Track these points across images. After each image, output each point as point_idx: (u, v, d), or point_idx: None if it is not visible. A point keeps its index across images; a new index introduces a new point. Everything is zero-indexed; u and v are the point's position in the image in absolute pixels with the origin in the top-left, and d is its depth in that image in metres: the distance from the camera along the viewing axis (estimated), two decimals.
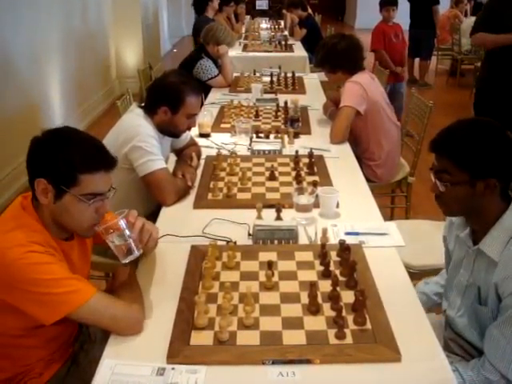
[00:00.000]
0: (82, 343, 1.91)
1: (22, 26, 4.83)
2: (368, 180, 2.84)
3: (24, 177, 4.65)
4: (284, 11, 8.92)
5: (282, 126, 3.48)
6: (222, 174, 2.72)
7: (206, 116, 3.40)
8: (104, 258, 2.52)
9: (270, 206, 2.27)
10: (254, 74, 4.98)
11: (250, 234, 2.13)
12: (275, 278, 1.82)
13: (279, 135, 3.22)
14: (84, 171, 1.59)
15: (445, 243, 1.99)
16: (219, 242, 2.04)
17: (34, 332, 1.64)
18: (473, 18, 8.75)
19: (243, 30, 8.42)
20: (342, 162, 2.94)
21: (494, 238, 1.65)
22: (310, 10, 8.13)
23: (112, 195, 1.70)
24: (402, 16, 6.91)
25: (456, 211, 1.75)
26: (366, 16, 14.11)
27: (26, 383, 1.70)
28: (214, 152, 2.93)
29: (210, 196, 2.48)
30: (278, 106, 3.78)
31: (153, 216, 2.39)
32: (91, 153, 1.63)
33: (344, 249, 1.93)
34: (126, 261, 1.77)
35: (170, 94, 2.50)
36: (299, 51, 6.61)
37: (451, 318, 1.87)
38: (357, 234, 2.15)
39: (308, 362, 1.49)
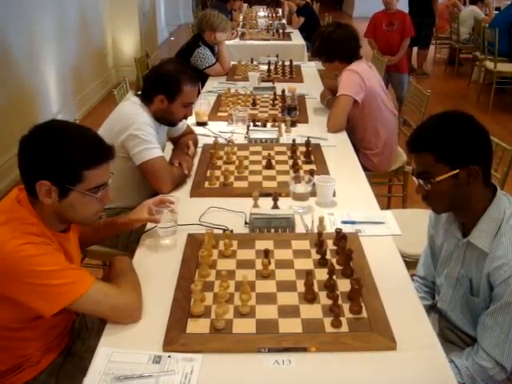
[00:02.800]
0: (79, 332, 1.91)
1: (18, 15, 4.79)
2: (365, 169, 2.84)
3: None
4: None
5: (279, 115, 3.47)
6: (219, 162, 2.71)
7: (203, 104, 3.39)
8: (101, 246, 2.52)
9: (267, 195, 2.27)
10: (252, 63, 4.97)
11: (246, 223, 2.13)
12: (271, 267, 1.83)
13: (276, 124, 3.21)
14: (88, 167, 1.57)
15: (429, 241, 2.00)
16: (216, 231, 2.04)
17: (33, 324, 1.64)
18: (471, 7, 8.80)
19: (241, 19, 8.38)
20: (339, 150, 2.94)
21: (482, 230, 1.66)
22: None
23: (111, 181, 1.69)
24: (401, 5, 6.85)
25: (445, 206, 1.75)
26: (364, 4, 14.07)
27: (24, 370, 1.70)
28: (210, 140, 2.92)
29: (206, 184, 2.48)
30: (275, 94, 3.78)
31: None
32: (92, 147, 1.61)
33: (340, 237, 1.93)
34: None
35: (166, 83, 2.49)
36: (297, 39, 6.58)
37: (443, 311, 1.89)
38: (353, 222, 2.15)
39: (304, 350, 1.49)
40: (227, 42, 4.92)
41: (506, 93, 7.40)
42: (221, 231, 2.06)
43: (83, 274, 1.59)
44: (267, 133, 3.06)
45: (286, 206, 2.24)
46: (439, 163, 1.63)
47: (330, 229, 2.09)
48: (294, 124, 3.26)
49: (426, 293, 2.04)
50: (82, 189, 1.58)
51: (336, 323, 1.56)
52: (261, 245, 1.94)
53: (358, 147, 3.34)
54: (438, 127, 1.68)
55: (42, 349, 1.73)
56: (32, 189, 1.57)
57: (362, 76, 3.25)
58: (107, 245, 2.52)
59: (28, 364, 1.70)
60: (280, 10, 9.01)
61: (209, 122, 3.36)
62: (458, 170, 1.61)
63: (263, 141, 2.99)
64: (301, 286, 1.72)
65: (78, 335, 1.89)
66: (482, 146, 1.65)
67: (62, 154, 1.55)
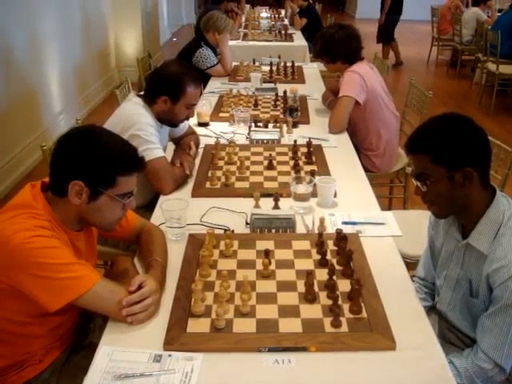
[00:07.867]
0: (81, 330, 1.91)
1: (21, 14, 4.81)
2: (366, 170, 2.85)
3: (24, 164, 4.60)
4: (284, 0, 8.89)
5: (281, 116, 3.47)
6: (221, 162, 2.72)
7: (205, 105, 3.40)
8: (103, 246, 2.52)
9: (268, 195, 2.28)
10: (254, 63, 4.97)
11: (247, 223, 2.14)
12: (272, 267, 1.83)
13: (278, 124, 3.21)
14: (123, 174, 1.63)
15: (430, 242, 2.01)
16: (217, 231, 2.05)
17: (39, 320, 1.65)
18: (474, 9, 8.79)
19: (243, 19, 8.38)
20: (340, 151, 2.95)
21: (482, 232, 1.66)
22: (310, 0, 8.10)
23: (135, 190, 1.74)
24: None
25: (444, 209, 1.74)
26: (366, 6, 14.13)
27: (26, 369, 1.71)
28: (212, 141, 2.93)
29: (208, 185, 2.48)
30: (277, 95, 3.79)
31: (151, 205, 2.40)
32: (129, 155, 1.67)
33: (341, 238, 1.94)
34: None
35: (170, 84, 2.49)
36: (299, 41, 6.59)
37: (443, 312, 1.89)
38: (354, 223, 2.16)
39: (304, 349, 1.50)
40: (230, 43, 4.92)
41: (508, 94, 7.40)
42: (222, 231, 2.07)
43: (90, 270, 1.60)
44: (269, 133, 3.06)
45: (287, 206, 2.25)
46: (435, 165, 1.63)
47: (330, 229, 2.10)
48: (295, 125, 3.27)
49: (426, 294, 2.04)
50: (113, 193, 1.63)
51: (336, 323, 1.57)
52: (261, 245, 1.95)
53: (360, 148, 3.35)
54: (435, 129, 1.67)
55: (46, 347, 1.74)
56: (59, 187, 1.61)
57: (364, 77, 3.25)
58: (109, 244, 2.53)
59: (31, 362, 1.71)
60: (283, 11, 9.02)
61: (210, 123, 3.37)
62: (453, 173, 1.62)
63: (265, 141, 3.00)
64: (301, 286, 1.72)
65: (81, 334, 1.90)
66: (478, 149, 1.64)
67: (102, 157, 1.60)
